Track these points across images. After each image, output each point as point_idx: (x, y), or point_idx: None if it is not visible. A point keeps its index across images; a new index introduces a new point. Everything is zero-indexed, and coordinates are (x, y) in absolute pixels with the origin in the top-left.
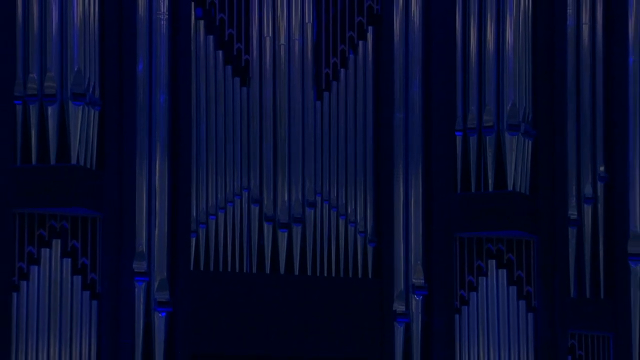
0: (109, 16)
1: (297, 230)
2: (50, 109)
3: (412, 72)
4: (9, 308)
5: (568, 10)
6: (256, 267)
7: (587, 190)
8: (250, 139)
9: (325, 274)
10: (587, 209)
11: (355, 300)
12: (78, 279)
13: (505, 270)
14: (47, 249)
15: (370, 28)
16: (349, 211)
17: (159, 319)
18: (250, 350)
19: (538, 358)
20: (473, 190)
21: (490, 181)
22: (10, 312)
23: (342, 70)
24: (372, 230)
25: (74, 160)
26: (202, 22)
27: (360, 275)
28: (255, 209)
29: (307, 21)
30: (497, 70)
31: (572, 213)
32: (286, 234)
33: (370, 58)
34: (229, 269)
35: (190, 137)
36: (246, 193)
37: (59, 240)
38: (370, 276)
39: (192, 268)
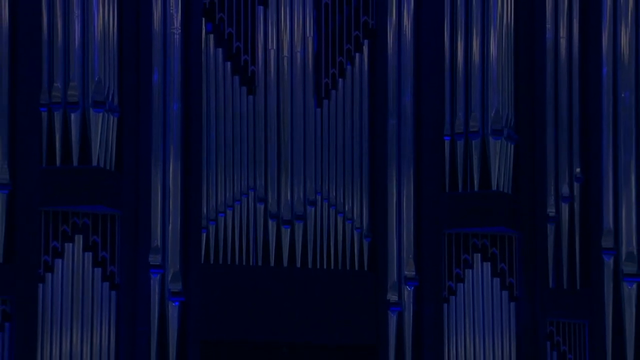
0: (127, 31)
1: (299, 227)
2: (73, 116)
3: (404, 81)
4: (35, 298)
5: (547, 25)
6: (261, 261)
7: (565, 189)
8: (256, 142)
9: (325, 267)
10: (565, 207)
11: (352, 290)
12: (98, 271)
13: (489, 263)
14: (70, 244)
15: (366, 41)
16: (346, 209)
17: (173, 308)
18: (255, 336)
19: (519, 344)
20: (460, 190)
21: (475, 181)
22: (36, 301)
23: (340, 80)
24: (368, 226)
25: (94, 163)
26: (212, 36)
27: (356, 268)
28: (260, 207)
29: (308, 35)
30: (482, 80)
31: (551, 211)
32: (289, 230)
33: (366, 69)
34: (237, 262)
35: (200, 141)
36: (252, 192)
37: (81, 236)
38: (365, 269)
39: (202, 261)
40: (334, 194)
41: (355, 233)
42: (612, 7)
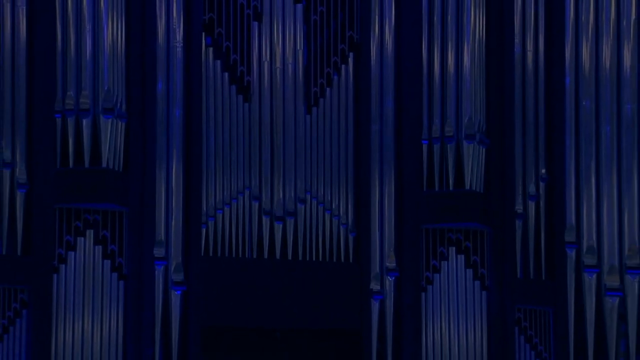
0: (134, 44)
1: (290, 223)
2: (84, 121)
3: (385, 90)
4: (50, 287)
5: (515, 40)
6: (256, 253)
7: (531, 189)
8: (251, 146)
9: (314, 259)
10: (531, 205)
11: (338, 280)
12: (108, 263)
13: (463, 256)
14: (82, 238)
15: (351, 54)
16: (333, 206)
17: (175, 297)
18: (251, 322)
19: (490, 329)
20: (437, 189)
21: (450, 181)
22: (51, 290)
23: (328, 89)
24: (353, 222)
25: (104, 164)
26: (211, 49)
27: (342, 260)
28: (255, 205)
29: (298, 48)
30: (457, 89)
31: (519, 208)
32: (281, 225)
33: (351, 79)
34: (234, 255)
35: (200, 144)
36: (247, 191)
37: (92, 231)
38: (350, 260)
39: (202, 254)
40: (322, 192)
41: (342, 228)
42: (574, 24)
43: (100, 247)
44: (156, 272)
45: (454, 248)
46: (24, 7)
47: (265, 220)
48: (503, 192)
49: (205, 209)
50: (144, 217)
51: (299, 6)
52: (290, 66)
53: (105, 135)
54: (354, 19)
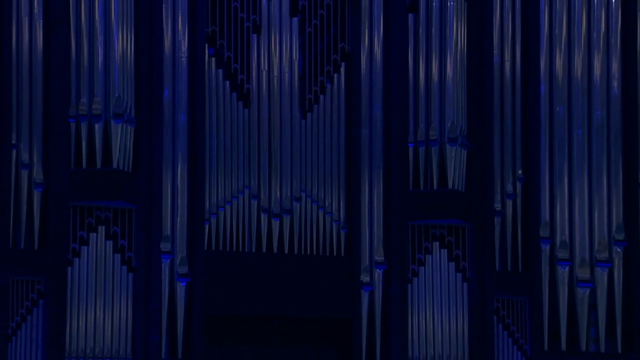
0: (142, 54)
1: (286, 219)
2: (96, 126)
3: (375, 97)
4: (64, 279)
5: (494, 51)
6: (255, 248)
7: (509, 188)
8: (251, 148)
9: (308, 253)
10: (509, 203)
11: (331, 273)
12: (118, 257)
13: (446, 250)
14: (94, 234)
15: (343, 64)
16: (326, 204)
17: (180, 288)
18: (251, 311)
19: (471, 317)
20: (422, 188)
21: (434, 181)
22: (65, 282)
23: (322, 96)
24: (344, 219)
25: (115, 165)
26: (213, 59)
27: (334, 254)
28: (254, 203)
29: (294, 58)
30: (440, 96)
31: (497, 206)
32: (278, 222)
33: (343, 87)
34: (234, 249)
35: (204, 147)
36: (247, 190)
37: (103, 227)
38: (342, 254)
39: (205, 248)
40: (316, 191)
41: (334, 225)
42: (548, 36)
43: (111, 242)
44: (163, 265)
45: (437, 243)
46: (41, 20)
47: (264, 217)
48: (483, 191)
49: (208, 206)
50: (151, 214)
51: (295, 19)
52: (286, 75)
53: (116, 138)
54: (345, 31)
